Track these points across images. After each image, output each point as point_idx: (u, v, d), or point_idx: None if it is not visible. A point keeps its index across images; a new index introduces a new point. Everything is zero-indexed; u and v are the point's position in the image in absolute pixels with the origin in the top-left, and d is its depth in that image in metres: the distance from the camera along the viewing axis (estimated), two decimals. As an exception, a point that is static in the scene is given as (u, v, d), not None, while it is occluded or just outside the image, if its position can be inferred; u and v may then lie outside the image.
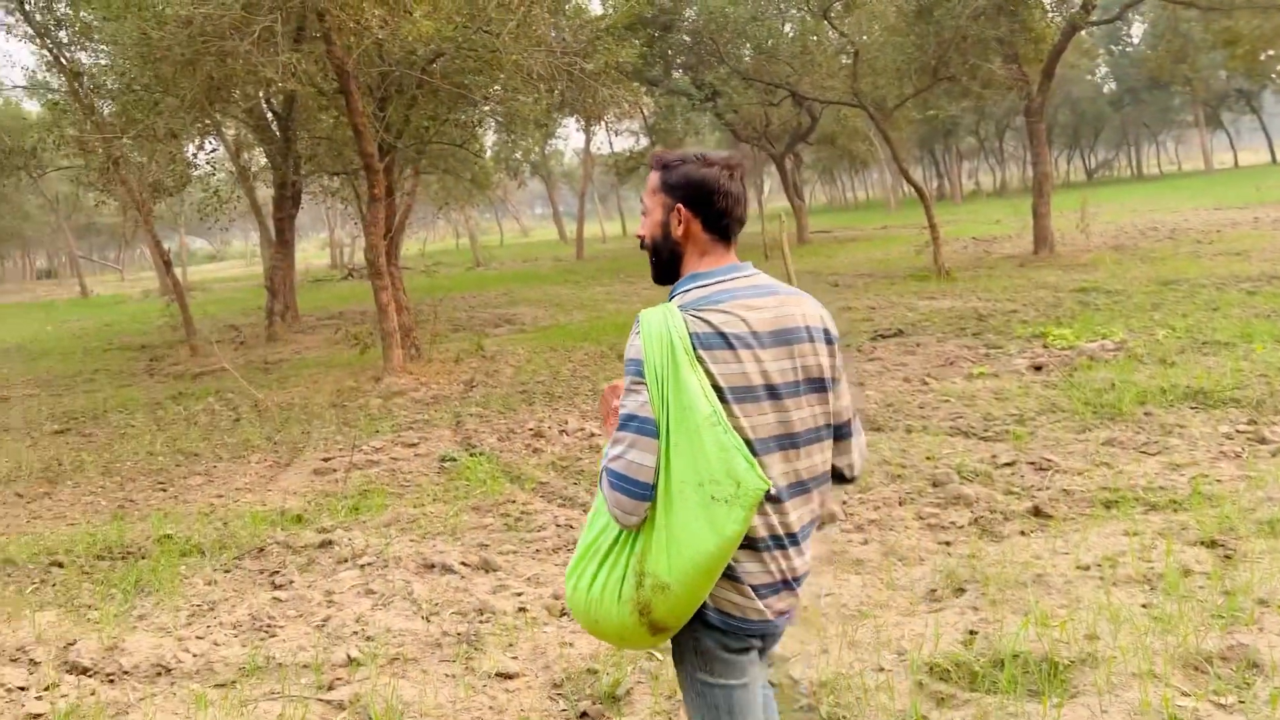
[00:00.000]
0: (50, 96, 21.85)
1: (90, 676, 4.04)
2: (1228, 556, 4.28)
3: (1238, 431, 6.21)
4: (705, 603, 2.00)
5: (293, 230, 20.39)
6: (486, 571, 5.05)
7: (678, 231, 2.10)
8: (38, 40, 17.56)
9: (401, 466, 7.60)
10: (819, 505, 2.12)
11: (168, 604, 4.87)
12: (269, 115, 18.61)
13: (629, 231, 55.44)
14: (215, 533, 6.02)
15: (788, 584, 2.05)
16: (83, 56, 18.08)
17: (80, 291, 44.68)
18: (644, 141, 36.30)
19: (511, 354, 13.02)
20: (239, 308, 26.69)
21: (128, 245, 68.73)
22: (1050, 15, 18.92)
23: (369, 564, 5.23)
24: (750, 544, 1.98)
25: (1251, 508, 4.81)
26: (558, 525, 5.74)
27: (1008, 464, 6.05)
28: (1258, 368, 7.72)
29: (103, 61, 17.09)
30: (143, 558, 5.66)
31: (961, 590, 4.23)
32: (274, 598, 4.83)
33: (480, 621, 4.37)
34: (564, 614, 4.40)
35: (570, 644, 4.03)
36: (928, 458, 6.35)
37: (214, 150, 19.24)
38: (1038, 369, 8.79)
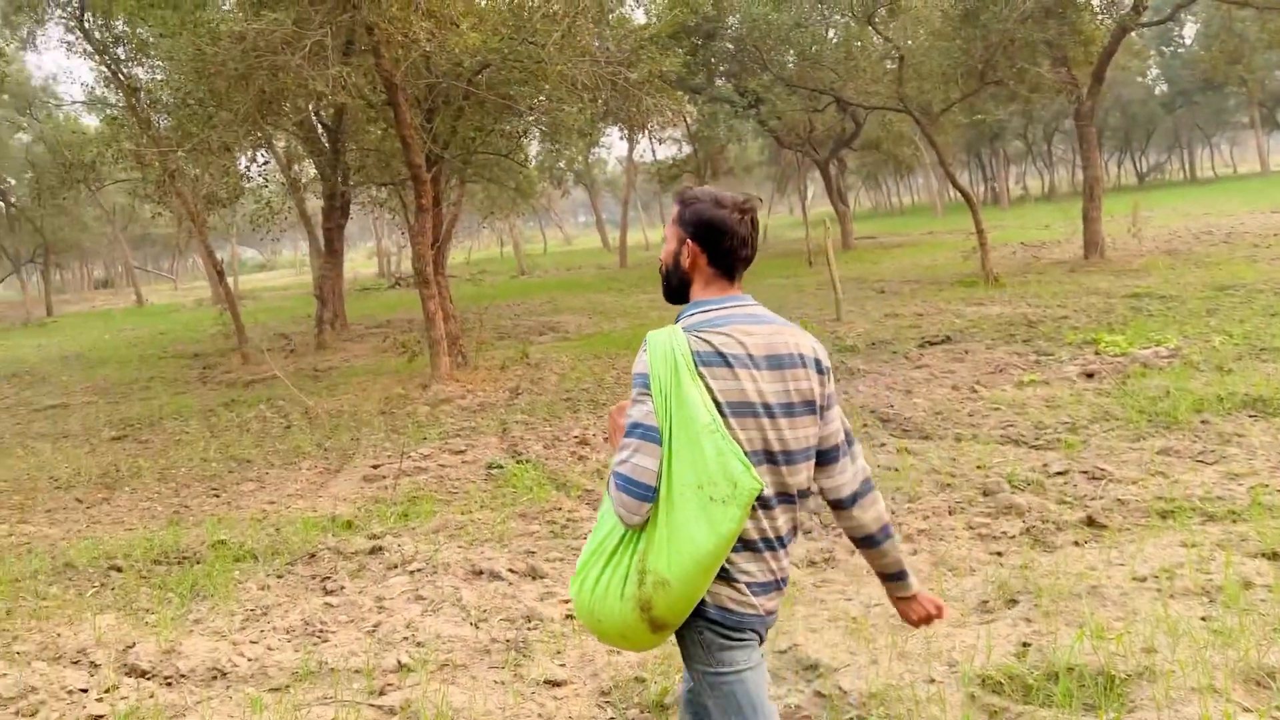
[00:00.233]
0: (108, 111, 22.51)
1: (149, 679, 4.12)
2: (1290, 569, 4.17)
3: (1299, 440, 6.06)
4: (705, 600, 2.14)
5: (342, 240, 20.68)
6: (534, 578, 5.09)
7: (686, 263, 2.29)
8: (96, 57, 18.01)
9: (449, 473, 7.67)
10: (797, 516, 2.28)
11: (222, 608, 4.97)
12: (319, 128, 18.94)
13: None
14: (268, 538, 6.12)
15: (778, 584, 2.22)
16: (140, 72, 18.61)
17: (136, 300, 45.62)
18: (686, 149, 36.33)
19: (556, 361, 13.09)
20: (289, 316, 27.11)
21: (181, 255, 70.30)
22: (1100, 17, 18.55)
23: (418, 570, 5.28)
24: (748, 545, 2.15)
25: (1315, 519, 4.69)
26: (604, 533, 5.75)
27: (1060, 473, 5.96)
28: (1319, 375, 7.54)
29: (159, 77, 17.59)
30: (198, 563, 5.77)
31: (1014, 601, 4.18)
32: (325, 603, 4.89)
33: (528, 628, 4.40)
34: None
35: (618, 652, 4.04)
36: (978, 466, 6.27)
37: (266, 163, 19.55)
38: (1090, 376, 8.64)
